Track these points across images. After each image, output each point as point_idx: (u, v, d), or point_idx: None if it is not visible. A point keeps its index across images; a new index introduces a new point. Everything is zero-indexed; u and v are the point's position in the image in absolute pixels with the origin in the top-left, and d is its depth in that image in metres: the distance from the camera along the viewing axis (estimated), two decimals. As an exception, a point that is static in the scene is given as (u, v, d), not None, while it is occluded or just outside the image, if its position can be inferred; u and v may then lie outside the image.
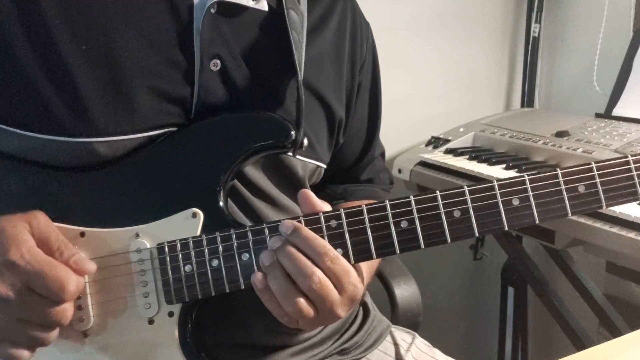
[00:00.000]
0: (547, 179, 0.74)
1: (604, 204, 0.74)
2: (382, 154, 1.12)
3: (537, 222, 0.74)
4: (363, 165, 1.07)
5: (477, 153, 1.60)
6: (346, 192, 1.05)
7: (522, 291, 1.96)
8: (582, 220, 1.22)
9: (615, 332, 1.60)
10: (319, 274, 0.71)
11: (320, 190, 1.01)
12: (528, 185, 0.74)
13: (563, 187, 0.74)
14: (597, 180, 0.74)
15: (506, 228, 0.75)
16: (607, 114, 1.68)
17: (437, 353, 1.04)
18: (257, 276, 0.73)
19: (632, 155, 0.75)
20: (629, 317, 1.65)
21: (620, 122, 1.59)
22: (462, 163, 1.54)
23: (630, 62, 1.68)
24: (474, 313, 2.19)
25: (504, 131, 1.67)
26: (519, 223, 0.75)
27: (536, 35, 1.98)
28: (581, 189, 0.74)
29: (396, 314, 1.20)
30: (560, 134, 1.55)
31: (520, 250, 1.79)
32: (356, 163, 1.06)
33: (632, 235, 1.14)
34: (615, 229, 1.17)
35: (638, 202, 1.19)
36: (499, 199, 0.74)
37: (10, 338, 0.71)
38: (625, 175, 0.74)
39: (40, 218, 0.73)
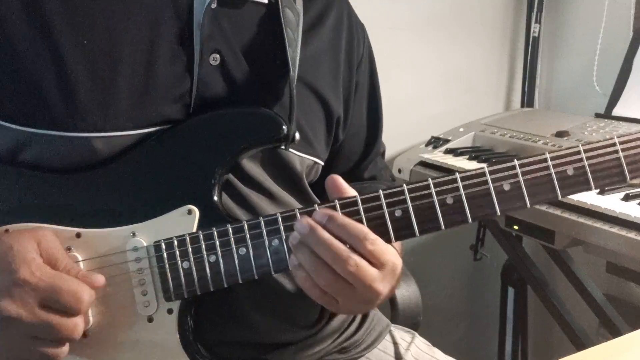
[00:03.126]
0: (536, 163, 0.76)
1: (593, 185, 0.76)
2: (383, 153, 1.13)
3: (529, 205, 0.76)
4: (366, 164, 1.07)
5: (477, 153, 1.60)
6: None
7: (522, 291, 1.96)
8: (582, 220, 1.23)
9: (615, 332, 1.60)
10: (355, 257, 0.72)
11: (324, 191, 1.01)
12: (518, 170, 0.75)
13: (552, 170, 0.75)
14: (585, 162, 0.75)
15: (499, 213, 0.76)
16: (607, 114, 1.68)
17: (437, 352, 1.04)
18: (291, 259, 0.75)
19: (618, 137, 0.76)
20: (629, 317, 1.65)
21: (620, 122, 1.59)
22: (462, 163, 1.54)
23: (630, 62, 1.68)
24: (474, 313, 2.19)
25: (504, 131, 1.67)
26: (511, 207, 0.76)
27: (536, 35, 1.97)
28: (570, 171, 0.75)
29: (396, 314, 1.19)
30: (560, 134, 1.55)
31: (520, 250, 1.78)
32: (359, 163, 1.06)
33: (632, 235, 1.14)
34: (615, 229, 1.17)
35: (638, 202, 1.20)
36: (490, 184, 0.75)
37: (21, 356, 0.71)
38: (612, 156, 0.76)
39: (48, 237, 0.73)
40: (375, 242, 0.73)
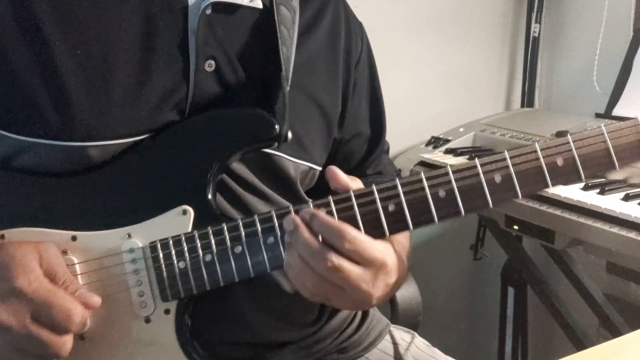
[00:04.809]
0: (526, 154, 0.77)
1: (582, 173, 0.77)
2: (387, 150, 1.13)
3: (520, 196, 0.77)
4: (370, 163, 1.07)
5: (477, 153, 1.60)
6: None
7: (522, 291, 1.96)
8: (582, 220, 1.23)
9: (615, 332, 1.60)
10: (333, 256, 0.72)
11: (330, 191, 1.01)
12: (509, 162, 0.76)
13: (542, 160, 0.76)
14: (574, 151, 0.77)
15: (491, 204, 0.76)
16: (607, 114, 1.68)
17: (437, 352, 1.04)
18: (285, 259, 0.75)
19: (605, 126, 0.78)
20: (629, 317, 1.65)
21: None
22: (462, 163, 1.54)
23: (630, 62, 1.68)
24: (474, 313, 2.19)
25: (504, 131, 1.67)
26: (503, 198, 0.77)
27: (536, 35, 1.97)
28: (559, 161, 0.77)
29: (396, 314, 1.20)
30: (560, 134, 1.54)
31: (520, 250, 1.79)
32: (363, 161, 1.06)
33: (632, 235, 1.14)
34: (615, 229, 1.17)
35: (638, 202, 1.19)
36: (482, 177, 0.76)
37: None
38: (600, 146, 0.77)
39: (51, 250, 0.73)
40: (355, 241, 0.73)
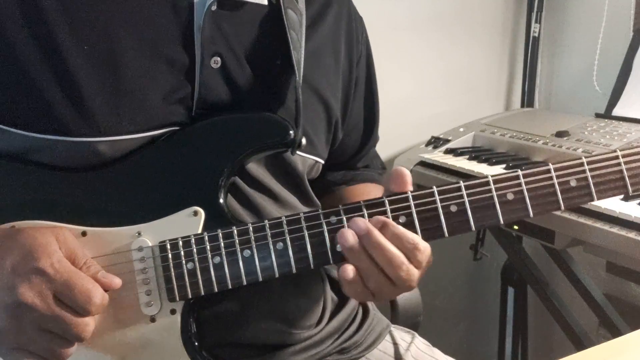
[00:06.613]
0: (540, 174, 0.77)
1: (595, 197, 0.77)
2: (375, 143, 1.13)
3: (532, 215, 0.76)
4: (361, 156, 1.08)
5: (477, 153, 1.60)
6: (345, 177, 1.07)
7: (522, 291, 1.97)
8: (582, 220, 1.23)
9: (615, 332, 1.60)
10: (407, 263, 0.74)
11: (317, 179, 1.02)
12: (522, 180, 0.76)
13: (555, 181, 0.76)
14: (588, 174, 0.76)
15: (502, 222, 0.76)
16: (607, 114, 1.68)
17: (437, 353, 1.04)
18: (347, 268, 0.74)
19: (620, 150, 0.77)
20: (629, 317, 1.65)
21: (620, 122, 1.59)
22: (462, 163, 1.54)
23: (630, 62, 1.68)
24: (474, 313, 2.19)
25: (504, 131, 1.67)
26: (514, 217, 0.76)
27: (536, 35, 1.97)
28: (573, 183, 0.76)
29: (396, 314, 1.19)
30: (560, 134, 1.55)
31: (520, 250, 1.79)
32: (355, 155, 1.07)
33: (632, 235, 1.14)
34: (615, 229, 1.17)
35: (638, 202, 1.20)
36: (494, 194, 0.76)
37: (28, 347, 0.71)
38: (614, 169, 0.77)
39: (67, 234, 0.74)
40: (425, 251, 0.75)
